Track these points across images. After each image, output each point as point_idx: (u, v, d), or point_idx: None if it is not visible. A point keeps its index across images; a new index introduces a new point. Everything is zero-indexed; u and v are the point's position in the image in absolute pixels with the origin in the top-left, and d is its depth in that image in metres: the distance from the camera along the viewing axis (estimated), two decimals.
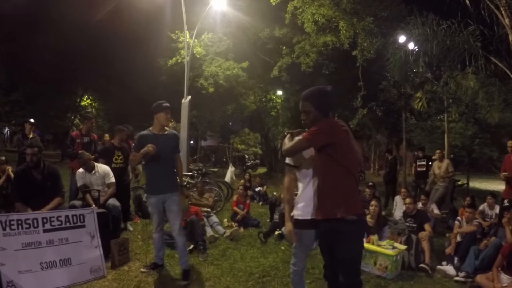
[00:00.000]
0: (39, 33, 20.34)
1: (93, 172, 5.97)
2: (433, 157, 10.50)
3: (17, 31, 20.27)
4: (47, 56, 20.91)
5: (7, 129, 29.46)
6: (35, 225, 4.09)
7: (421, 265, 5.36)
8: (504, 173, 6.65)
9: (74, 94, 24.19)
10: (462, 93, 11.35)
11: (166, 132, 4.72)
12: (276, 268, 5.29)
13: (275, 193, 10.38)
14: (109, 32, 18.84)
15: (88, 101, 25.06)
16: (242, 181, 11.48)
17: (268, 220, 8.25)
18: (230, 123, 26.65)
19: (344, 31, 12.61)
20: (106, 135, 8.76)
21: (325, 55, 13.98)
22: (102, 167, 6.16)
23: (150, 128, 4.72)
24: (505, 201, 6.26)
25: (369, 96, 15.36)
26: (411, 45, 10.65)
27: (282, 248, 6.41)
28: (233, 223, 7.82)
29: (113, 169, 6.43)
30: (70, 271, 4.23)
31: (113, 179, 6.09)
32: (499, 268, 4.66)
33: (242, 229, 7.52)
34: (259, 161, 27.48)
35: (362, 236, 3.27)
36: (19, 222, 3.99)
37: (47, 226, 4.17)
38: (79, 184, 5.97)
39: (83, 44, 20.74)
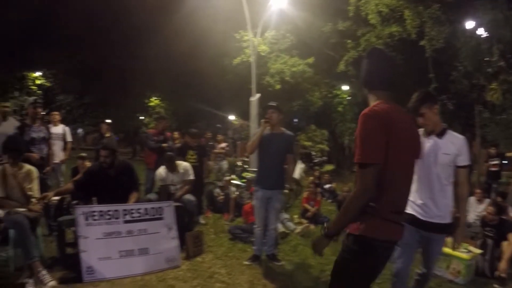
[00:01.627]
0: (107, 41, 21.96)
1: (175, 172, 6.32)
2: (508, 155, 9.71)
3: (87, 41, 22.23)
4: (115, 61, 22.51)
5: (80, 129, 31.54)
6: (117, 216, 4.35)
7: (498, 273, 4.95)
8: None
9: (143, 95, 25.34)
10: None
11: (282, 132, 5.00)
12: None
13: (345, 189, 10.18)
14: (173, 34, 19.45)
15: (156, 101, 26.09)
16: (311, 178, 11.38)
17: None
18: (295, 120, 26.47)
19: (410, 20, 12.23)
20: (176, 133, 9.11)
21: (391, 46, 13.53)
22: (183, 165, 6.50)
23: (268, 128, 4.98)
24: None
25: (439, 89, 14.53)
26: (481, 31, 9.93)
27: None
28: (303, 220, 7.85)
29: None
30: (147, 259, 4.44)
31: (192, 177, 6.42)
32: None
33: (312, 226, 7.51)
34: (326, 158, 27.09)
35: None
36: (101, 213, 4.27)
37: (128, 217, 4.43)
38: (159, 183, 6.35)
39: (148, 47, 21.83)
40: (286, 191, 5.04)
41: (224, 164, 11.34)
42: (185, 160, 6.89)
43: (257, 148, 4.95)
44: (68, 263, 4.29)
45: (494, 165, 9.81)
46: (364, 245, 2.15)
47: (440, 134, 3.15)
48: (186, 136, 7.97)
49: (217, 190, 8.47)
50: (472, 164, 13.86)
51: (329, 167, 24.44)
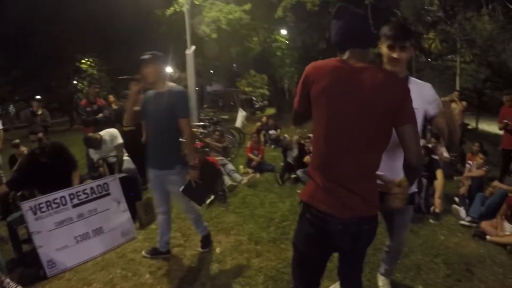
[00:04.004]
0: (28, 8, 19.61)
1: (102, 144, 6.09)
2: (443, 99, 10.45)
3: (5, 12, 19.47)
4: (39, 28, 20.34)
5: (11, 107, 29.33)
6: (64, 202, 4.21)
7: (433, 208, 5.53)
8: (504, 120, 6.83)
9: (73, 59, 23.70)
10: (476, 35, 11.06)
11: (167, 90, 3.66)
12: (294, 212, 5.53)
13: (286, 136, 10.56)
14: None
15: (88, 62, 24.61)
16: (258, 124, 11.65)
17: (281, 164, 8.30)
18: (234, 65, 26.26)
19: None
20: (111, 96, 8.80)
21: None
22: (108, 133, 6.27)
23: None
24: None
25: (379, 35, 14.91)
26: None
27: (298, 191, 6.68)
28: (249, 169, 8.10)
29: (125, 132, 6.58)
30: (103, 238, 4.45)
31: (119, 140, 6.22)
32: (503, 217, 4.86)
33: (258, 175, 7.81)
34: (267, 102, 27.42)
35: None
36: (48, 203, 4.10)
37: (75, 201, 4.30)
38: (95, 158, 6.14)
39: (73, 8, 19.95)
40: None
41: None
42: (122, 126, 6.64)
43: (141, 117, 3.87)
44: (28, 262, 4.17)
45: None
46: (302, 208, 2.13)
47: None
48: (120, 99, 7.67)
49: None
50: None
51: (270, 111, 24.96)
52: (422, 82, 2.62)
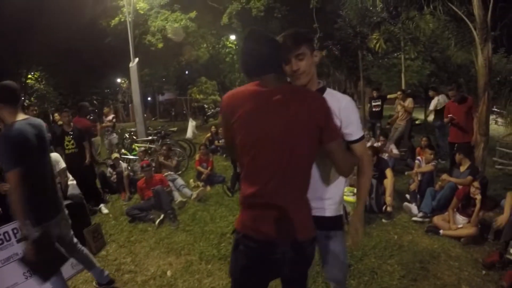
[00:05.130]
0: None
1: None
2: (389, 96, 10.68)
3: None
4: None
5: None
6: (8, 238, 3.96)
7: (385, 208, 5.52)
8: (449, 115, 6.96)
9: (18, 75, 22.54)
10: (419, 33, 11.39)
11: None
12: None
13: None
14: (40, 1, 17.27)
15: (34, 76, 23.40)
16: (208, 135, 11.43)
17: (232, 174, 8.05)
18: (187, 72, 25.99)
19: None
20: (56, 114, 8.32)
21: None
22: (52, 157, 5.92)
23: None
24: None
25: (326, 36, 15.16)
26: None
27: None
28: (199, 182, 7.85)
29: (67, 156, 6.28)
30: None
31: (62, 165, 5.72)
32: (455, 210, 4.90)
33: (208, 188, 7.62)
34: (219, 108, 27.24)
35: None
36: None
37: (19, 235, 3.99)
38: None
39: (15, 18, 18.89)
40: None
41: (114, 138, 10.50)
42: (64, 149, 6.38)
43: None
44: None
45: (376, 105, 10.64)
46: (236, 239, 1.96)
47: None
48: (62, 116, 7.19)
49: (109, 170, 7.98)
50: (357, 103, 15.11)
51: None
52: (340, 94, 2.18)
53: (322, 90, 2.17)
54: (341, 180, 2.20)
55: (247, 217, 1.88)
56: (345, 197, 5.25)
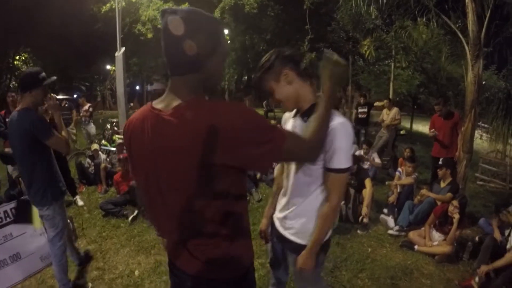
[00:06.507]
0: None
1: None
2: (376, 104, 10.63)
3: None
4: None
5: None
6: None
7: (361, 219, 5.38)
8: (432, 130, 6.90)
9: (6, 55, 22.03)
10: (412, 43, 11.37)
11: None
12: None
13: None
14: None
15: (22, 58, 22.88)
16: None
17: None
18: None
19: None
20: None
21: None
22: None
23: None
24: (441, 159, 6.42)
25: (318, 38, 15.07)
26: None
27: None
28: None
29: None
30: (22, 264, 4.09)
31: None
32: (431, 226, 4.85)
33: None
34: None
35: None
36: None
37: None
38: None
39: (4, 1, 18.49)
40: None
41: (92, 128, 10.22)
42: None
43: None
44: None
45: (362, 112, 10.52)
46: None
47: (306, 113, 1.96)
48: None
49: (88, 160, 7.77)
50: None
51: None
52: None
53: (311, 108, 1.90)
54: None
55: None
56: None
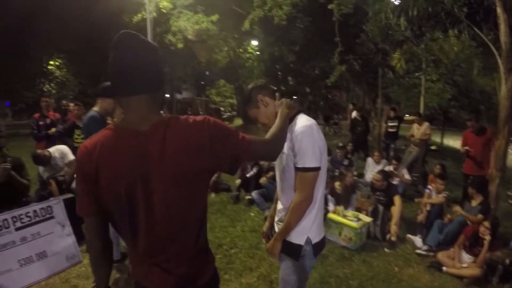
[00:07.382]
0: None
1: (51, 161, 5.76)
2: (406, 118, 10.42)
3: None
4: (8, 22, 19.39)
5: None
6: (7, 226, 4.04)
7: (389, 237, 5.32)
8: (465, 147, 6.65)
9: (40, 60, 22.82)
10: (442, 55, 11.12)
11: None
12: (243, 239, 5.30)
13: None
14: None
15: (56, 63, 23.58)
16: None
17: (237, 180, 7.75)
18: (207, 73, 26.12)
19: None
20: (71, 104, 8.11)
21: (300, 7, 13.40)
22: (58, 150, 5.92)
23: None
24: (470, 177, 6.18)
25: (347, 50, 14.94)
26: None
27: (252, 214, 6.46)
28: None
29: (75, 149, 6.12)
30: (47, 262, 4.23)
31: (70, 157, 5.81)
32: (461, 247, 4.67)
33: (213, 194, 7.54)
34: (236, 112, 27.28)
35: None
36: None
37: (18, 224, 4.13)
38: (44, 176, 5.81)
39: (41, 6, 19.28)
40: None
41: None
42: (73, 141, 6.17)
43: None
44: None
45: (392, 126, 10.36)
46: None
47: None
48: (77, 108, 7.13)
49: None
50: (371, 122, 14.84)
51: (238, 121, 24.82)
52: (303, 123, 2.12)
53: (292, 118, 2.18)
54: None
55: (135, 264, 1.63)
56: (348, 222, 5.13)
